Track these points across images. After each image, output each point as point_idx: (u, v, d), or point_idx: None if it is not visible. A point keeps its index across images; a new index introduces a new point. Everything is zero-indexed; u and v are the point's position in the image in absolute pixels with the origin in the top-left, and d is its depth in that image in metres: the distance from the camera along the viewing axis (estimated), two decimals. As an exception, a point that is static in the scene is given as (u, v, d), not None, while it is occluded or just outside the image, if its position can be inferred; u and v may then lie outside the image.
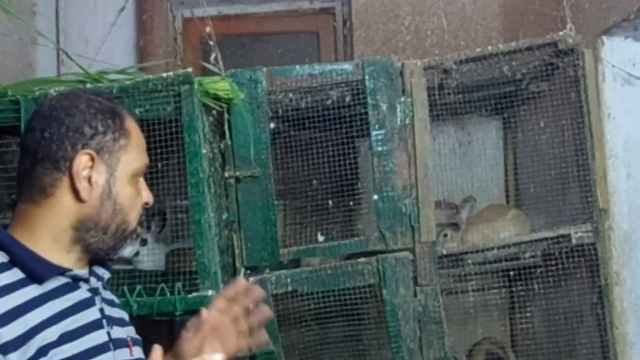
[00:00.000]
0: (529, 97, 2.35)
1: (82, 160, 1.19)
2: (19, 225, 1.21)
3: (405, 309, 2.06)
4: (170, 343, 2.67)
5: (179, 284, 1.86)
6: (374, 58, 2.15)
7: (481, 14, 2.76)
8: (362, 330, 2.24)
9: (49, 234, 1.19)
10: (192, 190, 1.86)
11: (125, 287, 1.88)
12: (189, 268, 2.05)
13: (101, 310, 1.25)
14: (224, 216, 2.07)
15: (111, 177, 1.22)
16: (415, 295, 2.07)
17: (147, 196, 1.31)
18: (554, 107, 2.19)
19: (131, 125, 1.28)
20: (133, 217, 1.27)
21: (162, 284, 1.87)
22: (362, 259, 2.08)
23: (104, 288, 1.31)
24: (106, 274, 1.30)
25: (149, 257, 2.24)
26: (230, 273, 2.09)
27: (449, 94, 2.19)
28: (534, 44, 2.07)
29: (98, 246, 1.23)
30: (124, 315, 1.39)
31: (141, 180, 1.31)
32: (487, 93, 2.32)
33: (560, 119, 2.17)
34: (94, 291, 1.25)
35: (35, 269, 1.14)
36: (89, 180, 1.20)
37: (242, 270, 2.10)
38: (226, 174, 2.08)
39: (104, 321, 1.24)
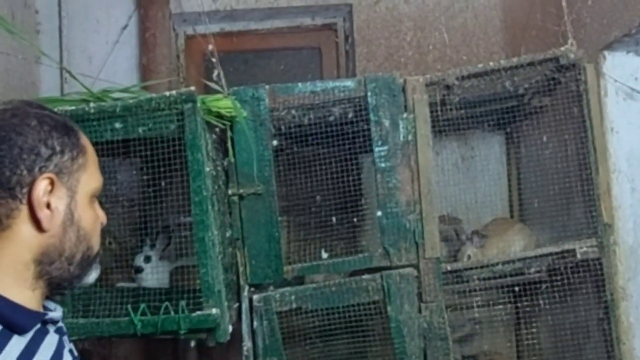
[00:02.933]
0: (531, 112, 2.35)
1: (42, 186, 1.04)
2: None
3: (410, 325, 2.05)
4: (173, 360, 2.68)
5: (183, 303, 1.85)
6: (376, 74, 2.15)
7: (483, 29, 2.77)
8: (367, 346, 2.23)
9: (10, 271, 1.04)
10: (196, 208, 1.85)
11: (129, 306, 1.87)
12: (192, 286, 2.04)
13: (71, 351, 1.15)
14: (228, 234, 2.06)
15: (72, 201, 1.08)
16: (420, 311, 2.06)
17: (103, 216, 1.18)
18: (556, 122, 2.19)
19: (86, 141, 1.14)
20: (95, 241, 1.14)
21: (166, 302, 1.86)
22: (366, 276, 2.07)
23: None
24: (58, 308, 1.17)
25: (153, 274, 2.24)
26: (235, 291, 2.09)
27: (451, 109, 2.20)
28: (536, 59, 2.08)
29: (63, 278, 1.09)
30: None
31: (95, 199, 1.17)
32: (490, 108, 2.32)
33: (563, 133, 2.17)
34: (60, 331, 1.14)
35: (16, 320, 1.01)
36: (48, 206, 1.05)
37: (246, 287, 2.10)
38: (230, 192, 2.08)
39: None
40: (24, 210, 1.03)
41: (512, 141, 2.61)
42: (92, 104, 1.92)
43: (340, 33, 2.95)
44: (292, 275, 2.11)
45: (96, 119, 1.89)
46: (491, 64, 2.10)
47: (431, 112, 2.10)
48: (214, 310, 1.84)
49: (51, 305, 1.16)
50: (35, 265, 1.05)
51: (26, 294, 1.05)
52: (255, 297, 2.08)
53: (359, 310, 2.09)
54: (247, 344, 2.07)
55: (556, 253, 2.08)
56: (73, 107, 1.91)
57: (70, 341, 1.20)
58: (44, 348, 1.05)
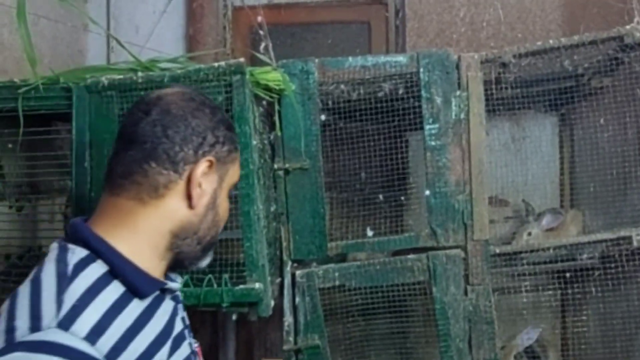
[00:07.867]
0: (589, 93, 2.27)
1: (202, 167, 1.13)
2: (113, 223, 1.11)
3: (455, 307, 2.01)
4: (213, 332, 2.70)
5: (226, 276, 1.84)
6: (429, 50, 2.09)
7: (540, 6, 2.68)
8: (409, 327, 2.21)
9: (149, 237, 1.12)
10: (242, 181, 1.83)
11: (173, 277, 1.87)
12: (236, 259, 2.03)
13: (183, 319, 1.22)
14: (272, 208, 2.04)
15: (219, 187, 1.18)
16: (466, 294, 2.02)
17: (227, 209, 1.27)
18: (616, 104, 2.11)
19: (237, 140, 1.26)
20: (220, 229, 1.23)
21: (210, 275, 1.85)
22: (412, 255, 2.04)
23: None
24: (178, 278, 1.25)
25: (196, 247, 2.23)
26: (277, 266, 2.07)
27: (505, 88, 2.12)
28: (599, 37, 1.99)
29: (189, 256, 1.18)
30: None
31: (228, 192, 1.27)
32: (546, 88, 2.24)
33: (624, 116, 2.09)
34: (176, 299, 1.22)
35: (139, 285, 1.08)
36: (200, 186, 1.14)
37: (289, 263, 2.08)
38: (275, 166, 2.06)
39: (186, 331, 1.22)
40: (180, 185, 1.12)
41: (567, 123, 2.52)
42: (140, 74, 1.90)
43: (390, 7, 2.88)
44: (336, 252, 2.08)
45: (144, 88, 1.87)
46: (550, 41, 2.02)
47: (485, 90, 2.04)
48: (257, 285, 1.83)
49: (172, 275, 1.23)
50: (171, 237, 1.13)
51: (154, 262, 1.12)
52: (298, 272, 2.06)
53: (402, 290, 2.06)
54: (288, 319, 2.06)
55: (611, 240, 2.01)
56: (121, 76, 1.90)
57: (185, 309, 1.28)
58: (159, 314, 1.12)
